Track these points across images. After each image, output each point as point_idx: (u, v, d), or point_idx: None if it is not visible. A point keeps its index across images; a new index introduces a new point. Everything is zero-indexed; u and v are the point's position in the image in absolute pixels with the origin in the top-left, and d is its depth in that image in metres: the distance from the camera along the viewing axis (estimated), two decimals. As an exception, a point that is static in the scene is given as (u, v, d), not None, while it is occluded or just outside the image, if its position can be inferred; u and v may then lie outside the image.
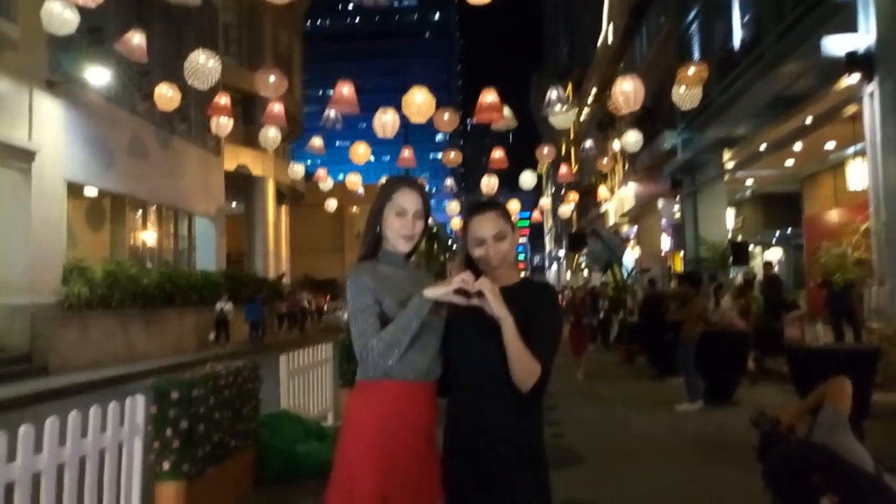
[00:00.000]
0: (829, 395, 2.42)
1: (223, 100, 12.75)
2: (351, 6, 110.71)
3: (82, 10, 8.76)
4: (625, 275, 17.81)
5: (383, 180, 2.32)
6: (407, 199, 2.01)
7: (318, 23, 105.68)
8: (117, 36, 10.03)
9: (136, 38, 8.93)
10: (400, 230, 2.00)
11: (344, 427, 1.94)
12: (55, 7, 8.54)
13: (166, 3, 8.21)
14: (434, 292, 1.85)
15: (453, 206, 28.94)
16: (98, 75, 14.02)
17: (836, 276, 10.59)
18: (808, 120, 12.14)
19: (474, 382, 1.92)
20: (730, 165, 16.08)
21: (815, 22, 10.77)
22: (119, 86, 15.73)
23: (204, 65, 8.84)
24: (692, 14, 18.32)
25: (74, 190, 14.95)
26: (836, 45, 9.56)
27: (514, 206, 28.35)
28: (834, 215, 16.01)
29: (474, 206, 2.08)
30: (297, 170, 22.31)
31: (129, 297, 14.81)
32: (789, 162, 15.61)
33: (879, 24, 9.13)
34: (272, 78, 11.16)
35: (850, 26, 9.60)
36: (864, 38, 9.39)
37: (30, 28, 11.90)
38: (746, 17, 15.02)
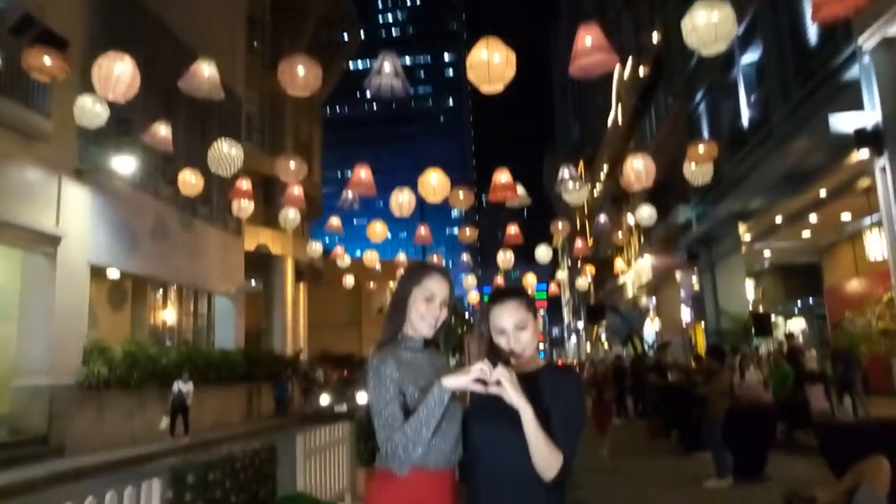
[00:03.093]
0: (866, 474, 2.34)
1: (244, 184, 13.16)
2: (369, 94, 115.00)
3: (112, 104, 9.21)
4: (646, 347, 17.62)
5: (411, 265, 2.36)
6: (437, 286, 2.06)
7: (338, 110, 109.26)
8: (145, 127, 10.45)
9: (163, 130, 9.32)
10: (426, 315, 2.05)
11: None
12: (87, 103, 8.99)
13: (192, 96, 8.66)
14: (453, 382, 1.86)
15: (470, 281, 29.04)
16: (125, 164, 14.58)
17: (862, 347, 10.41)
18: (822, 193, 12.22)
19: (497, 472, 1.87)
20: (746, 238, 16.08)
21: (822, 100, 10.99)
22: (144, 172, 16.28)
23: (227, 153, 9.19)
24: (699, 95, 18.75)
25: (97, 272, 15.24)
26: (843, 122, 9.72)
27: (530, 279, 28.36)
28: (855, 285, 15.86)
29: (496, 294, 2.09)
30: (316, 248, 22.70)
31: (147, 377, 14.85)
32: (806, 233, 15.60)
33: (883, 102, 9.31)
34: (292, 165, 11.55)
35: (857, 104, 9.78)
36: (870, 115, 9.54)
37: (62, 121, 12.48)
38: (753, 97, 15.33)
